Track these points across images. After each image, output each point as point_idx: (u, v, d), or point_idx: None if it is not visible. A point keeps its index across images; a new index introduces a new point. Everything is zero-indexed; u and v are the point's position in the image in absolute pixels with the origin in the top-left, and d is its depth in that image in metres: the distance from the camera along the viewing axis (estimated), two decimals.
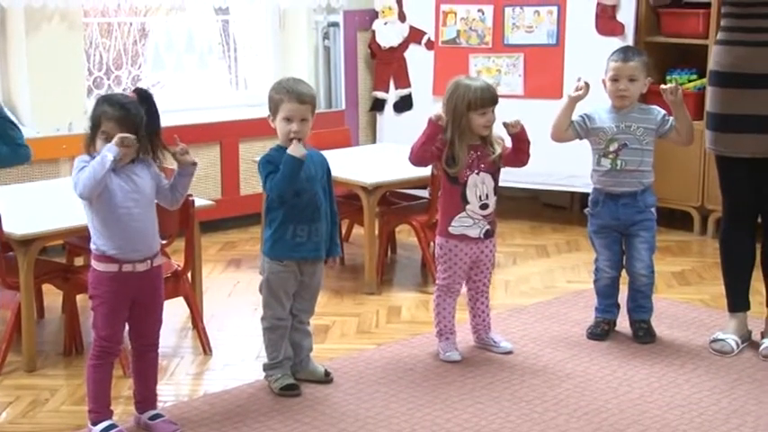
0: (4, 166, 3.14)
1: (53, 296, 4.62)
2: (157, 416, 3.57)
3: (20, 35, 5.61)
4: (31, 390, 3.87)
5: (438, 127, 4.04)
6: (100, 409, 3.46)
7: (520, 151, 4.15)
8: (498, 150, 4.11)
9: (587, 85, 4.20)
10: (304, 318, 3.97)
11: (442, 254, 4.19)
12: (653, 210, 4.38)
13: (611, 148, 4.28)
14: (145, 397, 3.58)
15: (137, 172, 3.39)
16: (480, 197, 4.09)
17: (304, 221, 3.78)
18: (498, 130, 4.14)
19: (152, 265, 3.44)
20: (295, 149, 3.66)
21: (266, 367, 3.93)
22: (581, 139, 4.35)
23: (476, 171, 4.07)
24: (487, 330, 4.33)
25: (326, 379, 3.98)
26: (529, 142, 4.13)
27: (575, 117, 4.29)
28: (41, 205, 4.15)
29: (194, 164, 3.49)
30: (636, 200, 4.33)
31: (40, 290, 4.47)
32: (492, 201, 4.12)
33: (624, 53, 4.34)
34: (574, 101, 4.24)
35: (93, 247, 3.40)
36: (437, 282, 4.26)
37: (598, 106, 4.35)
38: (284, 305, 3.86)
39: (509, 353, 4.28)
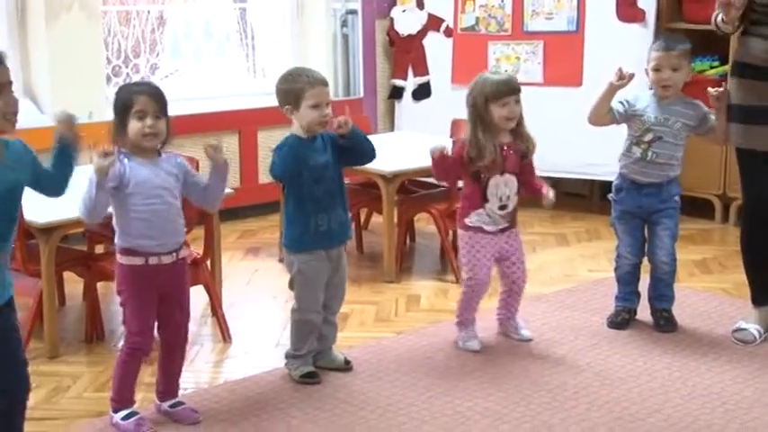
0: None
1: (74, 284, 4.66)
2: (179, 403, 3.59)
3: (40, 24, 5.64)
4: (53, 376, 3.91)
5: (444, 157, 4.04)
6: (122, 401, 3.49)
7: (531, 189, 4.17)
8: (530, 147, 4.07)
9: (631, 75, 4.14)
10: (335, 307, 3.98)
11: (463, 245, 4.19)
12: (676, 199, 4.36)
13: (646, 138, 4.25)
14: (168, 388, 3.61)
15: (162, 165, 3.40)
16: (501, 198, 4.07)
17: (323, 210, 3.79)
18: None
19: (177, 257, 3.46)
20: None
21: (288, 356, 3.95)
22: (618, 124, 4.32)
23: (500, 172, 4.05)
24: (514, 316, 4.34)
25: (346, 367, 3.99)
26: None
27: (614, 102, 4.25)
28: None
29: (225, 163, 3.49)
30: (660, 190, 4.31)
31: (61, 277, 4.51)
32: (512, 202, 4.10)
33: (666, 42, 4.28)
34: (615, 88, 4.16)
35: (117, 242, 3.42)
36: (463, 275, 4.23)
37: (640, 92, 4.31)
38: (318, 297, 3.86)
39: (528, 341, 4.29)
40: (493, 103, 3.96)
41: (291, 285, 3.90)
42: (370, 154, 3.94)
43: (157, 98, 3.33)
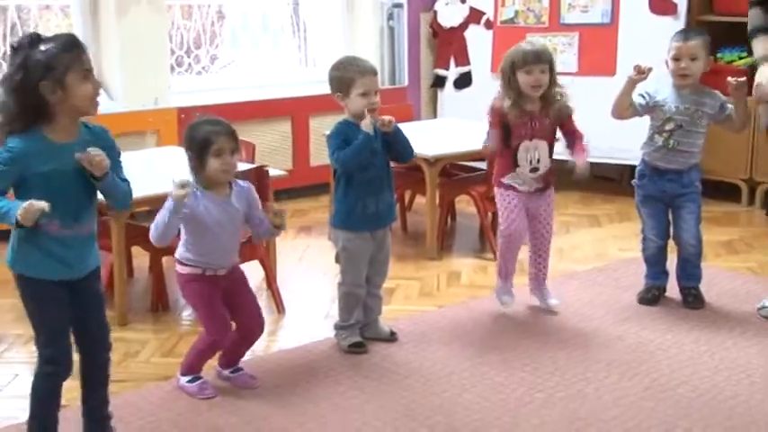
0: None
1: (141, 258, 4.71)
2: (238, 369, 3.63)
3: (111, 18, 5.69)
4: (123, 342, 3.95)
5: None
6: (192, 370, 3.54)
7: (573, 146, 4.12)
8: (562, 111, 4.04)
9: (649, 69, 4.09)
10: (378, 281, 3.99)
11: (499, 201, 4.18)
12: (697, 184, 4.31)
13: (667, 127, 4.21)
14: (232, 360, 3.63)
15: (231, 201, 3.41)
16: (531, 161, 4.06)
17: (371, 194, 3.79)
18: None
19: (231, 269, 3.49)
20: (368, 125, 3.67)
21: (337, 327, 3.97)
22: (641, 116, 4.28)
23: (528, 138, 4.03)
24: (543, 281, 4.34)
25: (391, 338, 4.01)
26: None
27: (635, 96, 4.21)
28: (129, 174, 4.21)
29: (279, 228, 3.49)
30: (681, 176, 4.27)
31: (129, 252, 4.57)
32: (543, 164, 4.08)
33: (685, 33, 4.27)
34: (634, 83, 4.13)
35: (178, 251, 3.45)
36: (500, 229, 4.22)
37: (661, 83, 4.27)
38: (361, 272, 3.88)
39: (554, 310, 4.29)
40: (519, 70, 3.94)
41: (337, 260, 3.92)
42: (407, 155, 3.93)
43: (233, 136, 3.34)
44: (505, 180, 4.12)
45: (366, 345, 3.91)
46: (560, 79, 4.13)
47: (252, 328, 3.58)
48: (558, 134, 4.14)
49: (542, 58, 3.96)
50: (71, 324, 2.93)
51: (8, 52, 2.80)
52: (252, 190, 3.50)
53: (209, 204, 3.34)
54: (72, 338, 2.95)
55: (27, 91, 2.69)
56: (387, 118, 3.74)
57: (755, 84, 4.03)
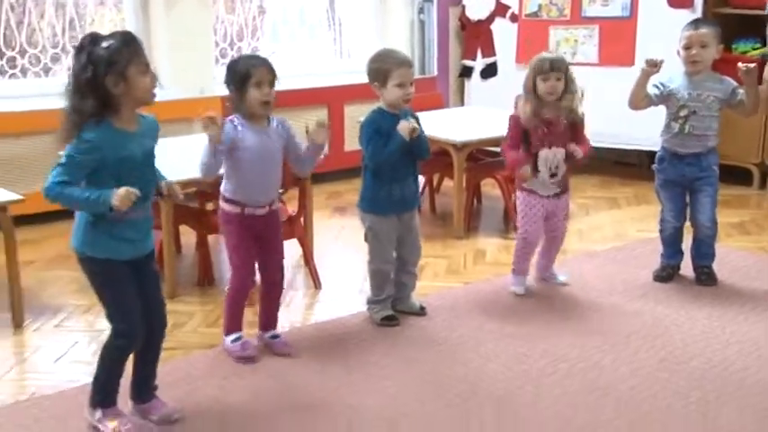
0: None
1: (188, 236, 4.75)
2: (276, 336, 3.67)
3: (160, 12, 5.72)
4: (172, 313, 3.90)
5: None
6: (232, 328, 3.58)
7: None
8: (575, 119, 4.03)
9: (661, 62, 4.05)
10: (413, 260, 3.99)
11: (520, 206, 4.22)
12: (715, 167, 4.28)
13: (682, 114, 4.18)
14: (268, 319, 3.68)
15: (270, 134, 3.42)
16: (550, 168, 4.07)
17: (396, 181, 3.79)
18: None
19: (270, 209, 3.50)
20: (404, 130, 3.66)
21: (369, 301, 3.98)
22: (656, 105, 4.25)
23: (547, 145, 4.04)
24: (548, 268, 4.37)
25: (421, 312, 4.01)
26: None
27: (649, 87, 4.18)
28: (178, 158, 4.25)
29: (323, 142, 3.48)
30: (699, 160, 4.24)
31: (177, 230, 4.61)
32: (561, 170, 4.09)
33: (695, 23, 4.25)
34: (647, 75, 4.10)
35: (222, 189, 3.48)
36: (518, 232, 4.26)
37: (674, 73, 4.24)
38: (389, 250, 3.89)
39: (565, 284, 4.30)
40: (538, 76, 3.96)
41: (366, 239, 3.93)
42: (423, 155, 3.88)
43: (272, 69, 3.35)
44: (527, 185, 4.13)
45: (398, 317, 3.93)
46: (582, 70, 4.11)
47: (273, 277, 3.60)
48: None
49: (557, 67, 3.97)
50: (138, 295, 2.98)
51: (73, 53, 2.84)
52: (289, 123, 3.50)
53: (250, 134, 3.34)
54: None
55: (94, 86, 2.74)
56: (412, 126, 3.71)
57: (765, 75, 4.00)
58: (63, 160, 2.77)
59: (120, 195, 2.69)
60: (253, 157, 3.37)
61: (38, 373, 3.52)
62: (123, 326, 2.93)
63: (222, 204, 3.49)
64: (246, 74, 3.30)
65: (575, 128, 4.08)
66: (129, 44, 2.79)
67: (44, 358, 3.64)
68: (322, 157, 3.65)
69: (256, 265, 3.57)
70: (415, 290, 4.10)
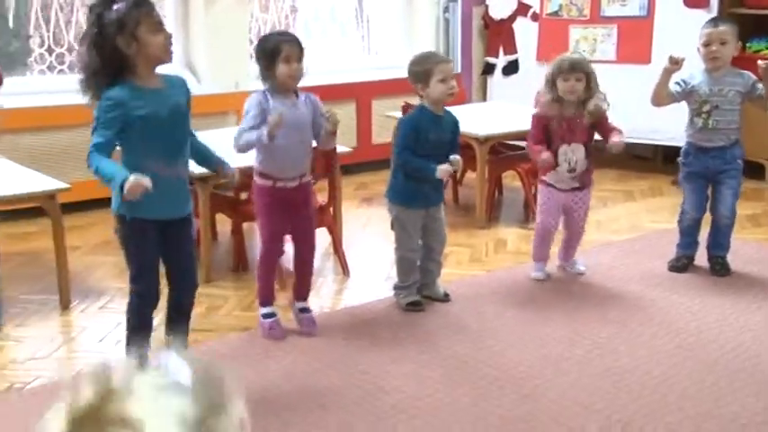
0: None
1: (224, 224, 4.76)
2: (306, 309, 3.66)
3: (199, 9, 5.71)
4: (208, 297, 4.02)
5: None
6: (265, 297, 3.59)
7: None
8: (595, 116, 4.00)
9: (682, 59, 4.01)
10: (439, 249, 3.98)
11: (540, 197, 4.23)
12: (740, 160, 4.24)
13: (705, 109, 4.14)
14: (301, 289, 3.68)
15: (299, 107, 3.41)
16: (569, 163, 4.05)
17: (427, 180, 3.76)
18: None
19: (301, 182, 3.48)
20: (444, 174, 3.68)
21: (396, 287, 3.98)
22: (678, 102, 4.21)
23: (567, 142, 4.02)
24: (568, 259, 4.34)
25: (446, 299, 4.01)
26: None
27: (671, 84, 4.14)
28: (215, 150, 4.29)
29: (333, 132, 3.47)
30: (724, 153, 4.19)
31: (213, 218, 4.61)
32: (581, 165, 4.07)
33: (714, 20, 4.24)
34: (670, 72, 4.06)
35: (255, 163, 3.48)
36: (536, 222, 4.27)
37: (695, 70, 4.19)
38: (414, 239, 3.88)
39: (582, 273, 4.27)
40: (559, 76, 3.93)
41: (393, 227, 3.92)
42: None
43: (299, 45, 3.35)
44: (546, 179, 4.13)
45: (423, 303, 3.92)
46: (601, 67, 4.08)
47: (306, 246, 3.61)
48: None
49: (577, 68, 3.95)
50: (166, 263, 3.00)
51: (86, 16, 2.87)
52: (316, 97, 3.50)
53: (278, 106, 3.32)
54: (160, 275, 3.03)
55: (104, 46, 2.75)
56: (451, 171, 3.78)
57: None
58: (94, 123, 2.80)
59: (131, 183, 2.67)
60: (283, 128, 3.31)
61: (84, 351, 3.56)
62: (139, 286, 2.95)
63: (255, 178, 3.49)
64: (276, 49, 3.30)
65: (600, 123, 4.05)
66: (138, 5, 2.78)
67: (89, 338, 3.69)
68: (351, 150, 3.68)
69: (287, 237, 3.57)
70: (440, 277, 4.09)
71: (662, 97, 4.16)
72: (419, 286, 3.98)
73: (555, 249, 4.34)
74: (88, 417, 0.86)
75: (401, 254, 3.91)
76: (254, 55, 3.41)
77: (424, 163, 3.68)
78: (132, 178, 2.68)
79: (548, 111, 4.01)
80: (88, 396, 0.87)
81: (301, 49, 3.34)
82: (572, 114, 4.01)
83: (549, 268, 4.31)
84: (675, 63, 4.01)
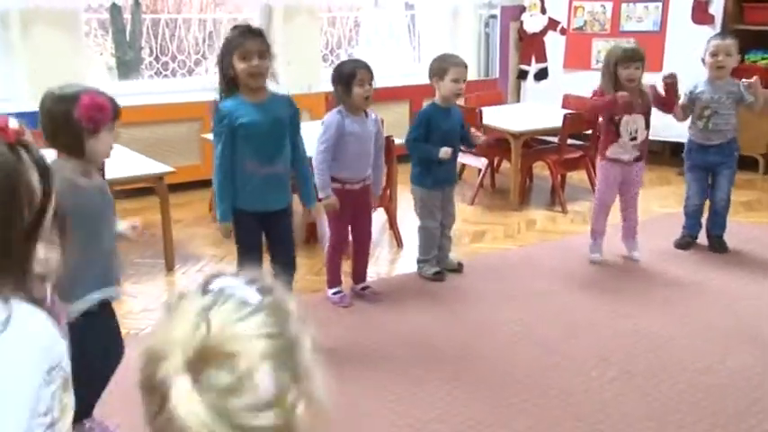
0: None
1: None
2: (367, 287, 3.68)
3: (280, 25, 5.75)
4: None
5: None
6: (333, 281, 3.62)
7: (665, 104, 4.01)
8: (646, 98, 3.91)
9: (673, 74, 3.98)
10: (449, 225, 3.92)
11: (600, 172, 4.05)
12: (735, 153, 4.17)
13: (705, 114, 4.08)
14: (359, 274, 3.69)
15: (368, 124, 3.42)
16: (630, 132, 3.91)
17: (442, 164, 3.72)
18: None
19: (364, 184, 3.51)
20: (445, 154, 3.63)
21: (419, 260, 3.92)
22: (692, 111, 4.13)
23: (629, 113, 3.87)
24: (633, 236, 4.14)
25: (459, 269, 3.93)
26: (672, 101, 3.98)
27: (683, 99, 4.09)
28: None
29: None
30: (722, 148, 4.12)
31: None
32: (641, 134, 3.92)
33: (722, 34, 4.17)
34: (675, 88, 3.98)
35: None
36: (595, 196, 4.11)
37: (698, 80, 4.13)
38: (435, 217, 3.82)
39: (634, 260, 4.10)
40: (620, 65, 3.80)
41: (416, 208, 3.87)
42: (470, 147, 3.96)
43: (370, 70, 3.35)
44: (609, 153, 3.94)
45: (444, 273, 3.86)
46: None
47: (363, 237, 3.61)
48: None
49: (637, 56, 3.81)
50: (270, 248, 3.05)
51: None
52: (380, 118, 3.54)
53: (353, 123, 3.34)
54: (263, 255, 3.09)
55: (222, 65, 2.81)
56: (449, 154, 3.67)
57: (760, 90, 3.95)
58: (212, 129, 2.91)
59: (220, 227, 2.95)
60: (354, 141, 3.38)
61: None
62: (244, 261, 2.99)
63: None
64: (352, 74, 3.30)
65: (657, 97, 3.97)
66: (242, 34, 2.81)
67: None
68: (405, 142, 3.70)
69: (350, 228, 3.59)
70: (476, 251, 4.08)
71: (683, 117, 4.13)
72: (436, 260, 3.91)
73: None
74: (199, 353, 0.79)
75: (425, 230, 3.85)
76: (331, 79, 3.39)
77: (429, 147, 3.65)
78: (222, 225, 2.93)
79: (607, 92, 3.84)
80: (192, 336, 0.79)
81: (372, 74, 3.33)
82: (626, 94, 3.83)
83: (564, 254, 4.24)
84: (669, 76, 3.96)
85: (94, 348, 2.17)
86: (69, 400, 1.13)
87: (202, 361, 0.78)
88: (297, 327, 0.86)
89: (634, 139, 3.94)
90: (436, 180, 3.77)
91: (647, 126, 3.95)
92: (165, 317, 0.84)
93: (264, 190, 2.94)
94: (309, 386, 0.83)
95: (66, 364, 1.12)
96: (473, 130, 3.87)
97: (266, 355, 0.80)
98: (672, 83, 3.93)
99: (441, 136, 3.68)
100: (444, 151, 3.62)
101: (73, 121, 2.11)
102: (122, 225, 2.38)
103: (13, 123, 1.07)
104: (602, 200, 4.05)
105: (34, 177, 1.08)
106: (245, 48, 2.77)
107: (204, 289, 0.84)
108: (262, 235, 3.02)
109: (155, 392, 0.80)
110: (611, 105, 3.82)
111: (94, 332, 2.23)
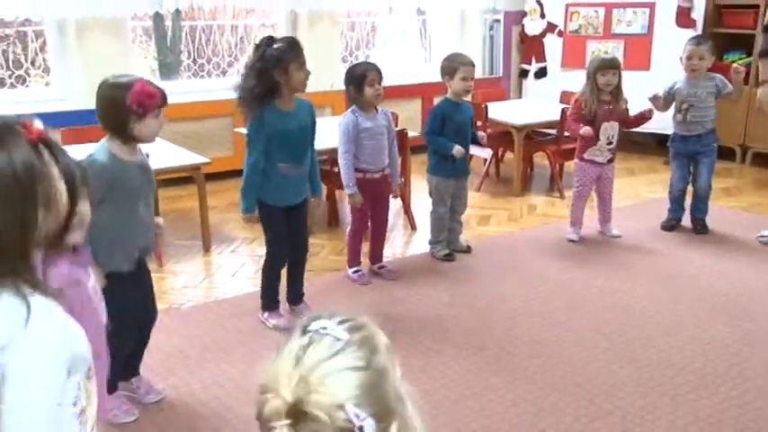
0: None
1: None
2: (383, 266, 3.66)
3: (304, 30, 5.71)
4: (310, 245, 4.02)
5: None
6: (353, 261, 3.61)
7: (634, 123, 4.03)
8: (624, 106, 3.93)
9: (656, 94, 4.04)
10: (461, 211, 3.90)
11: (577, 171, 4.08)
12: (714, 144, 4.13)
13: (683, 107, 4.06)
14: (375, 255, 3.67)
15: (379, 118, 3.41)
16: (608, 138, 3.94)
17: (447, 153, 3.67)
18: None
19: (383, 173, 3.49)
20: (458, 153, 3.60)
21: (431, 242, 3.90)
22: (671, 103, 4.11)
23: (608, 120, 3.90)
24: (608, 221, 4.20)
25: (467, 250, 3.92)
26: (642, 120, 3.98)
27: (661, 92, 4.08)
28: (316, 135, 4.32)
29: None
30: (701, 138, 4.09)
31: None
32: (616, 140, 3.97)
33: (697, 39, 4.11)
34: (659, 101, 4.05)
35: None
36: (573, 189, 4.12)
37: (678, 77, 4.11)
38: (446, 203, 3.80)
39: (618, 237, 4.14)
40: (598, 72, 3.81)
41: (430, 194, 3.84)
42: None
43: (380, 72, 3.33)
44: (586, 155, 3.99)
45: (454, 255, 3.84)
46: None
47: (381, 222, 3.59)
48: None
49: (612, 65, 3.86)
50: (290, 234, 3.04)
51: (252, 48, 2.92)
52: (390, 112, 3.51)
53: (366, 120, 3.34)
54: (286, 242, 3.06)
55: (263, 74, 2.77)
56: (463, 152, 3.65)
57: (757, 98, 3.89)
58: (246, 140, 2.86)
59: (244, 216, 2.94)
60: (369, 135, 3.37)
61: (220, 283, 3.63)
62: (273, 249, 3.01)
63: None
64: (363, 75, 3.30)
65: (628, 119, 4.01)
66: (293, 47, 2.82)
67: (224, 274, 3.75)
68: (419, 134, 3.64)
69: (369, 214, 3.58)
70: (482, 234, 4.05)
71: (662, 108, 4.11)
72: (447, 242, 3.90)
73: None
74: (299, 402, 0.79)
75: (436, 215, 3.83)
76: (344, 81, 3.37)
77: (445, 141, 3.62)
78: (245, 216, 2.92)
79: (587, 99, 3.88)
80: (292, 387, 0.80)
81: (381, 75, 3.31)
82: (607, 100, 3.88)
83: (562, 235, 4.19)
84: (655, 98, 4.02)
85: (127, 306, 2.23)
86: (93, 387, 1.08)
87: (302, 412, 0.79)
88: (385, 359, 0.86)
89: (611, 143, 3.95)
90: (451, 170, 3.75)
91: (621, 132, 3.96)
92: (275, 355, 0.85)
93: (292, 187, 2.96)
94: (403, 412, 0.84)
95: (88, 352, 1.06)
96: (480, 133, 3.84)
97: (356, 386, 0.81)
98: (648, 117, 3.97)
99: (454, 128, 3.67)
100: (457, 150, 3.61)
101: (123, 105, 2.18)
102: (158, 219, 2.44)
103: (38, 124, 1.01)
104: (580, 194, 4.09)
105: (57, 178, 0.99)
106: (302, 59, 2.82)
107: (304, 330, 0.86)
108: (286, 224, 3.02)
109: (264, 426, 0.82)
110: (577, 136, 3.95)
111: (127, 291, 2.27)
